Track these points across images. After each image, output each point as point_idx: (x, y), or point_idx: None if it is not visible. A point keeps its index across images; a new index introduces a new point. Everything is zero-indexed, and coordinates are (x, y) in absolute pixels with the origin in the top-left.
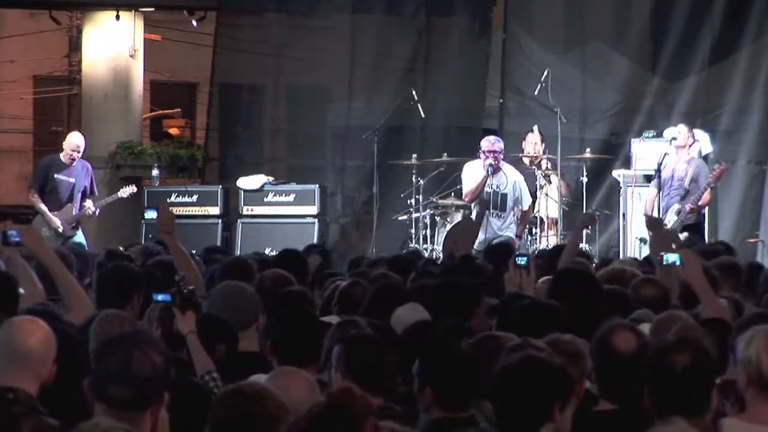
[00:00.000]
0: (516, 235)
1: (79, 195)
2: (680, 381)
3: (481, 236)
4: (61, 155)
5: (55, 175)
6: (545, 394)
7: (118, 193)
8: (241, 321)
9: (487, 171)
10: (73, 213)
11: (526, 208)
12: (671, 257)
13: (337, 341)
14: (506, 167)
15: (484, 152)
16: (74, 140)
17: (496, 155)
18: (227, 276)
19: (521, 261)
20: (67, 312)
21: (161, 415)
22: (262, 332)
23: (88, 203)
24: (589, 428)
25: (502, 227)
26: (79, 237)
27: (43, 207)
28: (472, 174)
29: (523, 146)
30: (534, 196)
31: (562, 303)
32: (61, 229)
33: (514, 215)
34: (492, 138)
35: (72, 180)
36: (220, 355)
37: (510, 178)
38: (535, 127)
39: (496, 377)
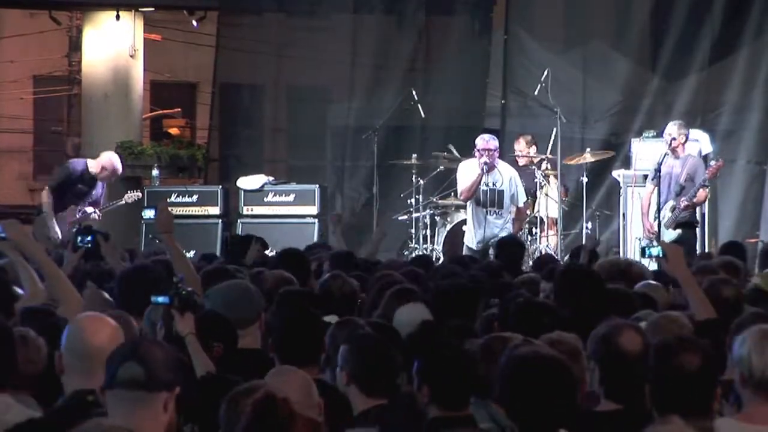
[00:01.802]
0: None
1: (87, 203)
2: (692, 382)
3: (479, 235)
4: (92, 166)
5: (78, 186)
6: (570, 392)
7: (124, 198)
8: (242, 318)
9: (482, 169)
10: (76, 216)
11: (521, 204)
12: (654, 250)
13: (344, 341)
14: (501, 164)
15: (478, 150)
16: (117, 164)
17: (490, 153)
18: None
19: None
20: (58, 306)
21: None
22: (264, 330)
23: (91, 210)
24: (593, 428)
25: (501, 226)
26: None
27: (50, 212)
28: (466, 173)
29: (515, 149)
30: (534, 196)
31: (567, 303)
32: (58, 237)
33: (511, 214)
34: (486, 136)
35: (88, 189)
36: (218, 352)
37: (506, 175)
38: (522, 138)
39: (525, 376)
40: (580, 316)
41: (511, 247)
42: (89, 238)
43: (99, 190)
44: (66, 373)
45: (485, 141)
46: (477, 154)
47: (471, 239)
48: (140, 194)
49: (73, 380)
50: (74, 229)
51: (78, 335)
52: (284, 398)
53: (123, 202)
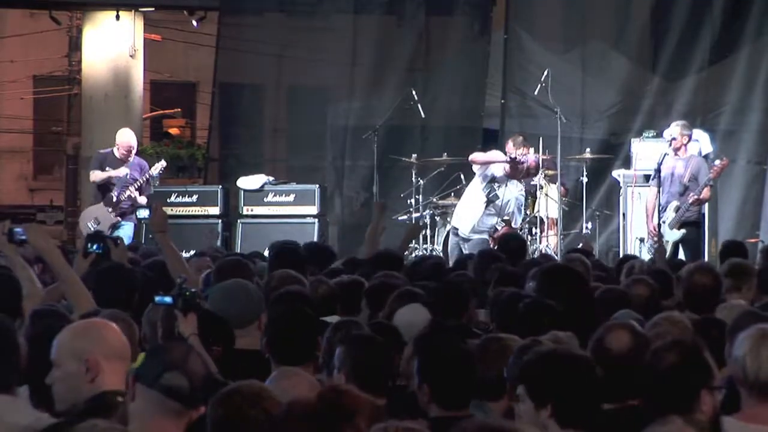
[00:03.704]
0: (490, 236)
1: (128, 187)
2: (665, 379)
3: (474, 222)
4: (116, 151)
5: (107, 168)
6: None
7: (150, 170)
8: (241, 319)
9: (507, 159)
10: (113, 200)
11: (515, 224)
12: None
13: (340, 342)
14: (516, 185)
15: (524, 155)
16: (128, 140)
17: (521, 161)
18: (223, 275)
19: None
20: (72, 311)
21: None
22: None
23: (131, 190)
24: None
25: (488, 225)
26: (125, 229)
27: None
28: (497, 152)
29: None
30: (534, 196)
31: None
32: (92, 224)
33: (498, 223)
34: (538, 154)
35: (123, 173)
36: (217, 355)
37: (510, 192)
38: (510, 141)
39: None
40: (563, 314)
41: (512, 242)
42: (99, 244)
43: (136, 171)
44: (99, 376)
45: (533, 154)
46: (520, 156)
47: (465, 225)
48: (164, 163)
49: (104, 383)
50: (90, 231)
51: (115, 338)
52: (349, 389)
53: (149, 175)
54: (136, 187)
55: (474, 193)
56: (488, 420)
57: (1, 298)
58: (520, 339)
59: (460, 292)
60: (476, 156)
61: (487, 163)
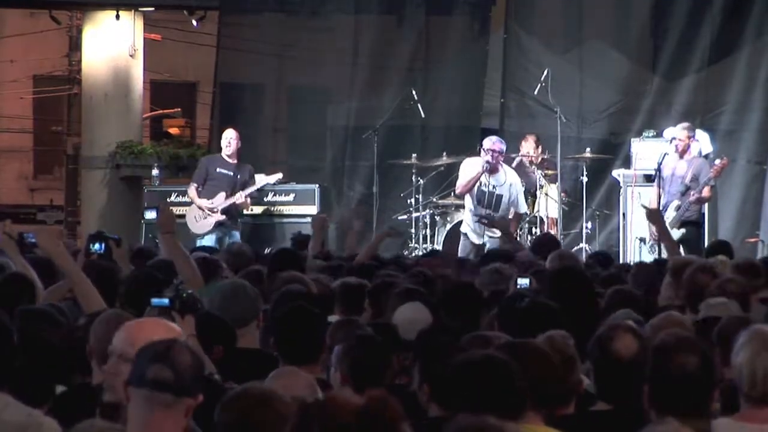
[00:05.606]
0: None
1: (237, 189)
2: (690, 382)
3: (476, 237)
4: (223, 153)
5: (217, 169)
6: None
7: (267, 178)
8: (240, 318)
9: (483, 168)
10: (224, 201)
11: (521, 211)
12: None
13: (338, 341)
14: (506, 169)
15: (484, 150)
16: (234, 132)
17: (495, 155)
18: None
19: (523, 284)
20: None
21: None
22: (263, 330)
23: (239, 194)
24: (584, 428)
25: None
26: (236, 237)
27: (195, 197)
28: (468, 169)
29: (521, 147)
30: (534, 196)
31: (558, 303)
32: (211, 206)
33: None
34: (494, 138)
35: (231, 173)
36: (218, 354)
37: (507, 180)
38: (531, 137)
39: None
40: (571, 316)
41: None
42: (101, 244)
43: (244, 172)
44: None
45: (492, 142)
46: (482, 153)
47: (474, 236)
48: (281, 175)
49: None
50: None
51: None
52: (392, 402)
53: (265, 182)
54: (248, 193)
55: (466, 209)
56: (477, 418)
57: None
58: (508, 337)
59: (473, 293)
60: (460, 187)
61: (473, 182)
